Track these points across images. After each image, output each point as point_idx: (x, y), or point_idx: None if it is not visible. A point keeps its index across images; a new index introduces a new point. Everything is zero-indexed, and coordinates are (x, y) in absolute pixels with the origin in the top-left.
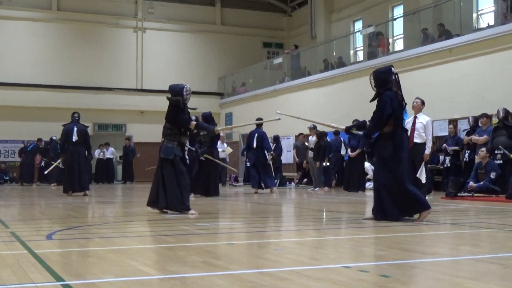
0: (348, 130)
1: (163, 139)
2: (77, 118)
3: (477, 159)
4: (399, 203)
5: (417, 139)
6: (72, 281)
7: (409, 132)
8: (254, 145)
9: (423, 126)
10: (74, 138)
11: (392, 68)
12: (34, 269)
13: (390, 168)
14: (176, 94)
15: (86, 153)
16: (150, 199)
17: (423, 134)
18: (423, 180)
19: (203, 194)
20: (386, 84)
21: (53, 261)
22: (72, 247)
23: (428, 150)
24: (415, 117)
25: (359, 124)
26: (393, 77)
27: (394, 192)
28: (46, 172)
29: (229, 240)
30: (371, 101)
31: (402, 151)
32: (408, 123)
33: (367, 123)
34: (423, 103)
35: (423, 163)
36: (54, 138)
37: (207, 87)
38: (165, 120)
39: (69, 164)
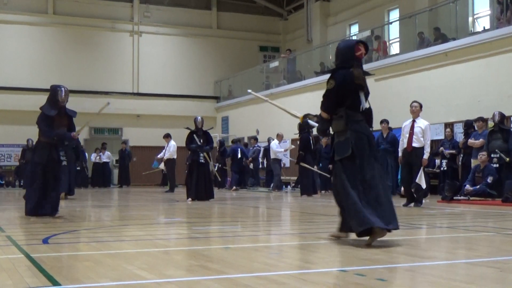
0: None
1: (332, 133)
2: None
3: (473, 163)
4: None
5: (415, 143)
6: (68, 285)
7: (407, 136)
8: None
9: (421, 131)
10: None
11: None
12: (30, 273)
13: None
14: (345, 56)
15: (75, 157)
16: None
17: (422, 139)
18: (423, 186)
19: (203, 199)
20: None
21: (49, 265)
22: (68, 251)
23: (426, 155)
24: (414, 121)
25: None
26: None
27: None
28: None
29: (225, 244)
30: None
31: None
32: (406, 126)
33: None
34: (421, 107)
35: (422, 168)
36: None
37: (203, 91)
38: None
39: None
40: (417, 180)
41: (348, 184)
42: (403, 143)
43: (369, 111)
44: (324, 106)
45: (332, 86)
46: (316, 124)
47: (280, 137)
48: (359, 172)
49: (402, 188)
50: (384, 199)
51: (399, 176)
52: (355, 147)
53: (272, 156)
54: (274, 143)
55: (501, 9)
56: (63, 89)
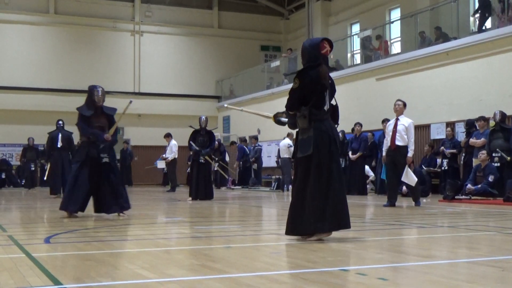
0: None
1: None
2: (61, 125)
3: (475, 162)
4: None
5: (399, 142)
6: (70, 284)
7: (390, 135)
8: None
9: (405, 129)
10: (59, 144)
11: None
12: (31, 273)
13: None
14: (311, 55)
15: (70, 157)
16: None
17: (405, 137)
18: (413, 183)
19: (203, 198)
20: None
21: (51, 265)
22: (70, 251)
23: (411, 153)
24: (397, 119)
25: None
26: None
27: None
28: (45, 178)
29: (226, 243)
30: None
31: None
32: (389, 125)
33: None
34: (405, 105)
35: (407, 166)
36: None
37: (205, 91)
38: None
39: (53, 168)
40: (402, 179)
41: (307, 183)
42: (387, 142)
43: (335, 108)
44: (288, 104)
45: (297, 85)
46: (287, 120)
47: (291, 136)
48: (317, 171)
49: (404, 187)
50: (337, 199)
51: (382, 176)
52: (316, 146)
53: (286, 155)
54: (289, 142)
55: (501, 8)
56: (99, 89)
